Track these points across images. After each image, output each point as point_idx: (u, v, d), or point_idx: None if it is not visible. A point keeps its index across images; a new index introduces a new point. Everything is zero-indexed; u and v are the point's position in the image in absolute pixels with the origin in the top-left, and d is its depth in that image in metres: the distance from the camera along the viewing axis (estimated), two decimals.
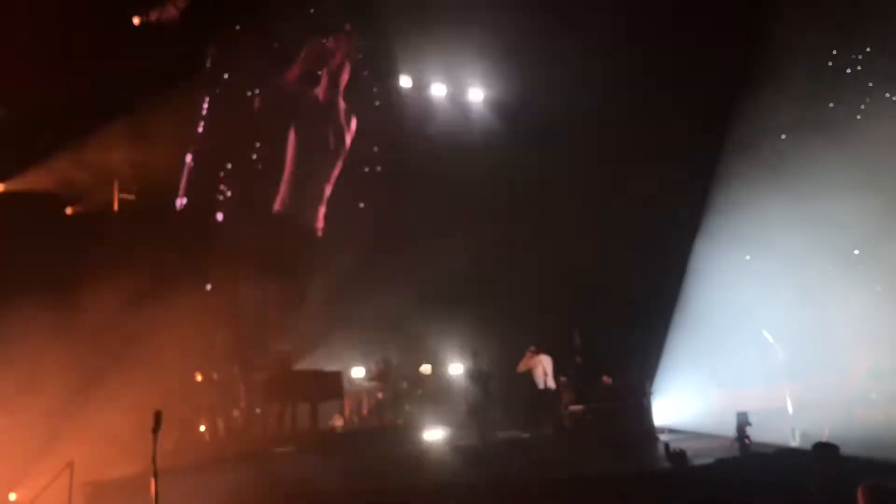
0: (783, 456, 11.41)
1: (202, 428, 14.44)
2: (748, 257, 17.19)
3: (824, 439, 11.77)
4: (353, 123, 18.32)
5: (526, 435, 14.58)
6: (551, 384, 14.99)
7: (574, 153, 17.59)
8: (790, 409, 13.83)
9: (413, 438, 14.08)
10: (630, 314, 16.92)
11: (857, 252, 16.29)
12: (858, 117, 17.12)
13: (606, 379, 15.14)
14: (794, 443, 12.16)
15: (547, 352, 15.27)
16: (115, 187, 15.46)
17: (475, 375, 14.46)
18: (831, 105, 17.18)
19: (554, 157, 17.78)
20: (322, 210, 18.05)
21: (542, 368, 15.05)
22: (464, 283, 17.36)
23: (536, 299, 17.47)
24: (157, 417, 7.45)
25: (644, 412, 14.48)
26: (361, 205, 18.39)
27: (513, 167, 17.95)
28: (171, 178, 16.33)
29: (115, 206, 15.46)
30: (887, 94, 17.18)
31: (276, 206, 17.51)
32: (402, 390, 15.70)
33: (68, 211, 15.24)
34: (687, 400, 15.97)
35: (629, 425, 14.08)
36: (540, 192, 17.86)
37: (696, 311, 16.53)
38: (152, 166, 15.07)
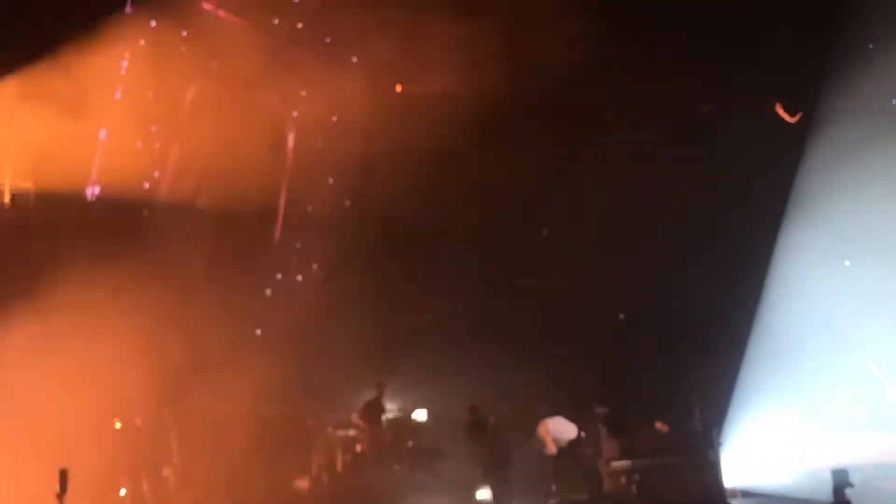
0: None
1: (122, 491, 14.46)
2: (848, 263, 17.22)
3: None
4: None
5: None
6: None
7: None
8: None
9: None
10: (692, 342, 16.99)
11: None
12: None
13: (661, 426, 15.16)
14: None
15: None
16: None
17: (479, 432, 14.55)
18: None
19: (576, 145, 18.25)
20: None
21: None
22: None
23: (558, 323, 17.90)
24: (63, 478, 7.47)
25: (711, 469, 14.50)
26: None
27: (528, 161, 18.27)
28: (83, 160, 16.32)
29: (7, 199, 15.48)
30: None
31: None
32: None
33: None
34: (768, 453, 16.01)
35: (691, 487, 14.10)
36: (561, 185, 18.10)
37: (778, 336, 16.55)
38: (55, 145, 15.10)
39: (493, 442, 14.76)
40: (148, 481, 14.53)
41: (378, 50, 17.18)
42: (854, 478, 11.86)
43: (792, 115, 17.81)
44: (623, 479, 14.46)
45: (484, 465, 14.74)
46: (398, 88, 18.48)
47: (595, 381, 16.65)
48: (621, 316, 16.69)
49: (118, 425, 14.53)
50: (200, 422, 14.87)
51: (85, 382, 13.70)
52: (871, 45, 17.25)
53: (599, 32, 17.18)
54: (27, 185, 15.72)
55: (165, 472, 14.67)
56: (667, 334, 17.30)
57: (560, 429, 14.93)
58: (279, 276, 18.83)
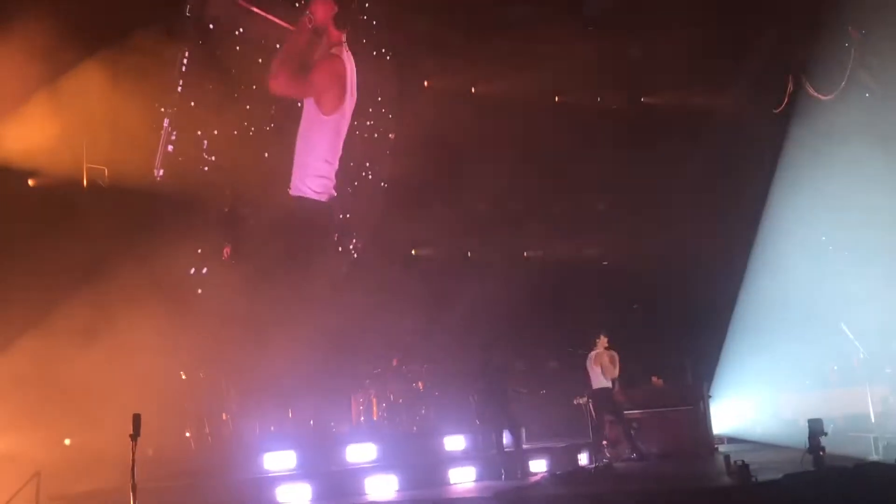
0: (864, 471, 11.36)
1: (187, 434, 14.64)
2: (824, 238, 17.05)
3: None
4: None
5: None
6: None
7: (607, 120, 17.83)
8: (873, 417, 13.80)
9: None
10: (684, 306, 16.95)
11: None
12: None
13: (657, 380, 15.17)
14: (877, 456, 12.12)
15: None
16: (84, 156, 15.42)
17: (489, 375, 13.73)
18: None
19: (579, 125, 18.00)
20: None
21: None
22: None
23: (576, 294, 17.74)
24: (136, 421, 7.55)
25: (701, 419, 14.51)
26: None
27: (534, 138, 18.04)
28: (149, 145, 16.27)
29: (84, 180, 15.49)
30: None
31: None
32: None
33: (31, 183, 15.33)
34: (751, 405, 15.96)
35: (684, 433, 14.11)
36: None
37: (762, 302, 16.46)
38: (126, 130, 15.04)
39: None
40: (209, 424, 14.68)
41: None
42: (827, 428, 11.82)
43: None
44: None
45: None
46: None
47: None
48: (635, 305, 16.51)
49: (184, 377, 14.66)
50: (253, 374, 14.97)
51: (152, 340, 13.83)
52: (846, 44, 16.95)
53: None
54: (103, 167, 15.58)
55: (224, 417, 14.80)
56: (665, 303, 17.31)
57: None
58: None
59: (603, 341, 14.85)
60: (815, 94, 16.96)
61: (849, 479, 11.02)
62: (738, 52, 17.44)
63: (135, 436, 7.55)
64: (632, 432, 14.30)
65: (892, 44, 15.83)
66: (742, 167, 17.61)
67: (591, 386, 14.76)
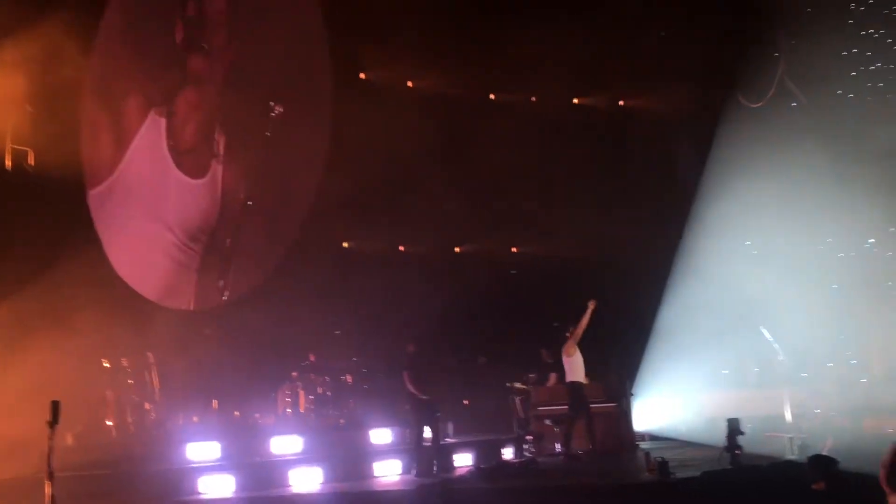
0: (778, 470, 11.68)
1: (108, 422, 14.39)
2: (748, 242, 17.43)
3: (825, 452, 12.18)
4: None
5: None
6: None
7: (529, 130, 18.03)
8: (789, 417, 14.15)
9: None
10: (609, 306, 17.17)
11: (872, 241, 16.59)
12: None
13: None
14: (792, 455, 12.43)
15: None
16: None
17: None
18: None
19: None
20: None
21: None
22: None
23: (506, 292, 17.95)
24: (55, 408, 7.40)
25: (624, 416, 14.72)
26: None
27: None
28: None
29: (8, 163, 15.09)
30: None
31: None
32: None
33: None
34: (672, 403, 16.24)
35: (607, 429, 14.31)
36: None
37: (685, 303, 16.75)
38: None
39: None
40: (132, 414, 14.45)
41: None
42: (744, 427, 12.10)
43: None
44: (548, 422, 14.69)
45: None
46: None
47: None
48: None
49: (106, 364, 14.39)
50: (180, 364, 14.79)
51: (77, 326, 13.59)
52: (776, 53, 17.38)
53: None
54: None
55: (147, 406, 14.58)
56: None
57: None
58: None
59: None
60: (744, 101, 17.36)
61: (764, 478, 11.34)
62: (670, 58, 17.75)
63: (53, 423, 7.40)
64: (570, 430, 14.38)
65: (819, 55, 16.29)
66: (670, 171, 17.95)
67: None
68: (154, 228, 16.57)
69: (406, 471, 13.06)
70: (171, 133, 16.72)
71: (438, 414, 13.09)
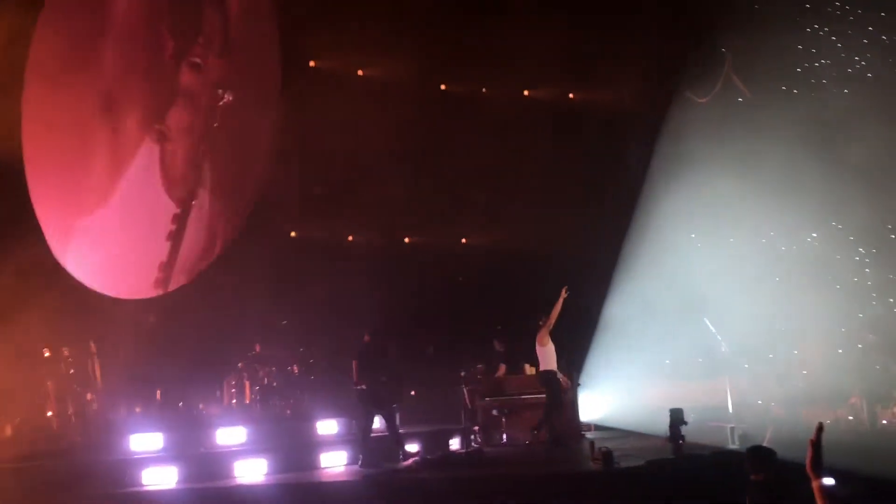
0: (720, 459, 11.89)
1: (49, 413, 14.13)
2: (693, 235, 17.64)
3: (766, 442, 12.42)
4: None
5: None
6: None
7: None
8: (731, 407, 14.40)
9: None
10: (556, 297, 17.29)
11: (814, 235, 16.89)
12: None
13: (529, 368, 15.45)
14: (733, 445, 12.65)
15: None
16: None
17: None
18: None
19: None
20: None
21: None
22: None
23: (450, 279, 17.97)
24: None
25: (570, 406, 14.85)
26: None
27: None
28: None
29: None
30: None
31: None
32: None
33: None
34: (618, 394, 16.42)
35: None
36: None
37: (631, 295, 16.93)
38: None
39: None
40: (74, 404, 14.21)
41: None
42: (687, 417, 12.28)
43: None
44: (495, 412, 14.77)
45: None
46: None
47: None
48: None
49: (47, 354, 14.12)
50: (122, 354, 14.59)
51: (15, 315, 13.32)
52: (723, 49, 17.59)
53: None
54: None
55: (89, 396, 14.35)
56: (536, 293, 17.59)
57: None
58: None
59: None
60: (691, 96, 17.57)
61: (705, 467, 11.53)
62: (619, 53, 17.89)
63: None
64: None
65: (765, 51, 16.55)
66: (618, 165, 18.10)
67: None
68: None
69: (352, 462, 13.03)
70: (163, 163, 16.24)
71: (395, 405, 13.08)
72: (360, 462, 12.63)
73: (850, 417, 14.56)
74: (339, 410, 14.78)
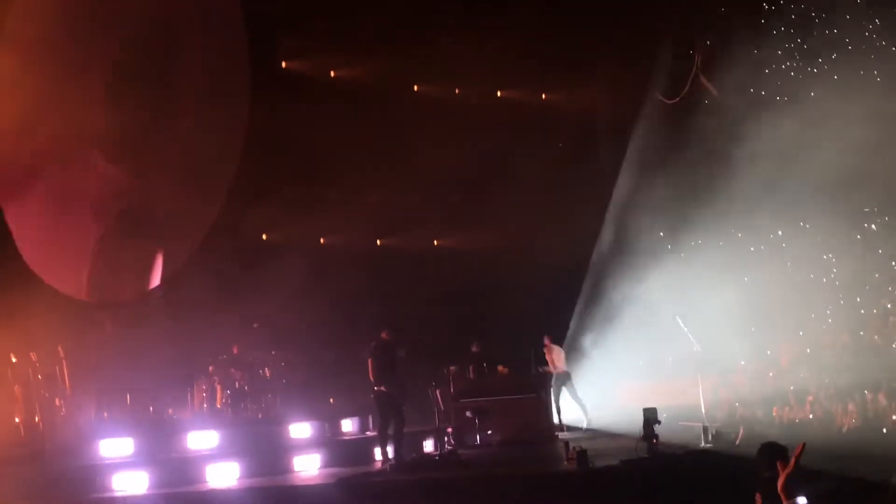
0: (693, 457, 11.93)
1: (16, 419, 13.94)
2: (661, 234, 17.71)
3: (738, 440, 12.48)
4: None
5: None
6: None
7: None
8: (703, 407, 14.45)
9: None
10: (530, 297, 17.31)
11: (780, 233, 17.01)
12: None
13: (502, 369, 15.42)
14: (706, 444, 12.69)
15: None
16: None
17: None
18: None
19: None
20: None
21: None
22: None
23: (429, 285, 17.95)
24: None
25: (543, 407, 14.84)
26: None
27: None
28: None
29: None
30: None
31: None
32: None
33: None
34: (591, 394, 16.44)
35: (527, 420, 14.41)
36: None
37: (604, 296, 16.98)
38: None
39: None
40: (42, 410, 14.02)
41: None
42: (661, 416, 12.30)
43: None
44: (469, 414, 14.71)
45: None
46: None
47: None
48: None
49: (14, 359, 13.92)
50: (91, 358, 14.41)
51: None
52: (691, 52, 17.71)
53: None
54: None
55: (57, 402, 14.16)
56: (511, 294, 17.62)
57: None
58: None
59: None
60: (661, 98, 17.66)
61: (679, 466, 11.57)
62: (592, 55, 17.96)
63: None
64: None
65: (733, 53, 16.67)
66: (589, 166, 18.15)
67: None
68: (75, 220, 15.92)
69: (325, 464, 12.94)
70: None
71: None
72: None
73: (811, 416, 14.70)
74: (311, 414, 14.69)
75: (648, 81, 17.81)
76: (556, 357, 15.89)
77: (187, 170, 16.79)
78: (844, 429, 13.94)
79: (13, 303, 13.79)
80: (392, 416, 12.47)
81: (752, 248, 17.00)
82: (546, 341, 16.08)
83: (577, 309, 17.25)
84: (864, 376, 14.54)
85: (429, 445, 14.44)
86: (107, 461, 12.40)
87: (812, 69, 16.46)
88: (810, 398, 14.70)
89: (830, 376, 14.95)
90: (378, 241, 19.63)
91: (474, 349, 15.79)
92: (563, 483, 10.96)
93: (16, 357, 13.91)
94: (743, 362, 16.50)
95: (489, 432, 14.57)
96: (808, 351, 16.06)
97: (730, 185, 16.04)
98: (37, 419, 13.93)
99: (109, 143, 15.83)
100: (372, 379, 12.40)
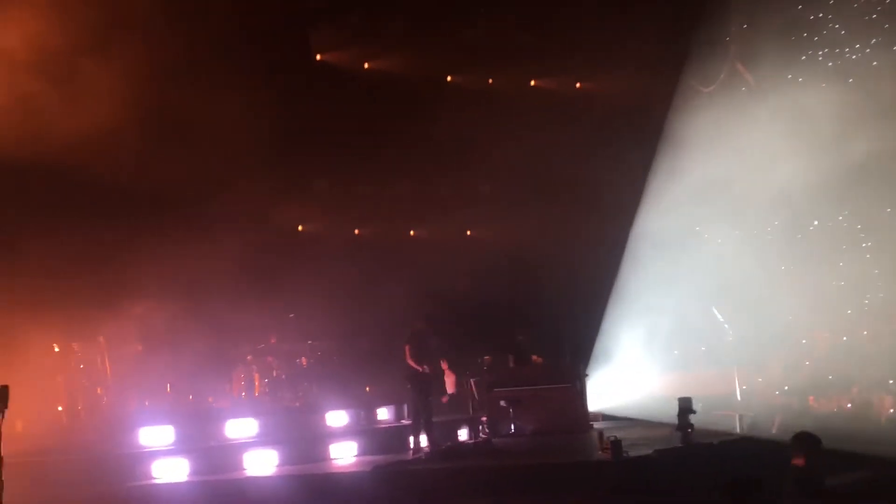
0: (728, 446, 11.85)
1: (59, 408, 14.16)
2: (698, 228, 17.53)
3: (774, 429, 12.38)
4: None
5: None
6: None
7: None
8: (738, 395, 14.36)
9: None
10: (564, 290, 17.25)
11: (816, 223, 16.77)
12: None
13: (537, 359, 15.41)
14: (741, 432, 12.60)
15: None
16: None
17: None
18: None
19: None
20: None
21: None
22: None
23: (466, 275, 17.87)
24: (3, 393, 7.24)
25: (578, 396, 14.81)
26: None
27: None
28: None
29: None
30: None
31: None
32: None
33: None
34: (626, 384, 16.37)
35: (562, 410, 14.39)
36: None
37: (638, 286, 16.86)
38: None
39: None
40: (83, 399, 14.24)
41: None
42: (696, 406, 12.22)
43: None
44: (503, 403, 14.72)
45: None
46: None
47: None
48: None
49: (56, 349, 14.15)
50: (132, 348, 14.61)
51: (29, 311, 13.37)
52: (727, 38, 17.48)
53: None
54: None
55: (98, 391, 14.37)
56: (547, 290, 17.57)
57: None
58: None
59: None
60: (697, 85, 17.46)
61: (714, 455, 11.49)
62: (626, 43, 17.75)
63: (1, 408, 7.23)
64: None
65: (768, 40, 16.43)
66: (623, 154, 17.94)
67: None
68: None
69: (362, 452, 13.04)
70: None
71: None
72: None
73: (849, 405, 14.52)
74: (347, 402, 14.78)
75: (683, 69, 17.59)
76: None
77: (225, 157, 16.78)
78: (882, 419, 13.78)
79: (55, 294, 14.00)
80: (428, 401, 12.61)
81: (794, 238, 16.74)
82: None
83: (611, 299, 17.11)
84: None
85: (463, 434, 14.46)
86: (147, 449, 12.56)
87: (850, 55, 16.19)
88: (855, 389, 14.51)
89: (868, 366, 14.75)
90: (412, 232, 19.64)
91: (521, 337, 15.75)
92: (598, 473, 10.95)
93: (58, 347, 14.14)
94: (779, 351, 16.29)
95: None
96: (845, 339, 15.82)
97: (764, 174, 15.85)
98: (79, 407, 14.17)
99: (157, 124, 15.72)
100: (410, 363, 12.56)
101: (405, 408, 14.29)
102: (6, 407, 7.23)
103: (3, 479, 7.18)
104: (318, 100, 17.10)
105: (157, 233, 15.35)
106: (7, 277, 13.32)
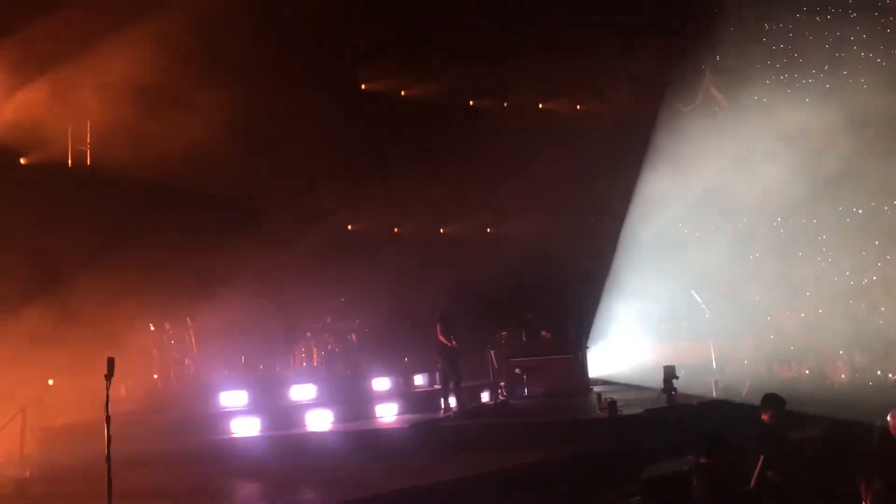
0: (705, 407, 11.77)
1: (155, 376, 14.34)
2: (679, 224, 17.34)
3: (744, 393, 12.27)
4: None
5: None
6: None
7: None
8: (714, 364, 14.25)
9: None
10: (568, 278, 17.19)
11: (779, 220, 16.55)
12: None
13: (545, 334, 15.35)
14: (717, 395, 12.52)
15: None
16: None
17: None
18: None
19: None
20: None
21: None
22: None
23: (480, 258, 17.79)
24: (110, 364, 7.32)
25: (579, 365, 14.75)
26: None
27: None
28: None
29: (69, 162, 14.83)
30: None
31: None
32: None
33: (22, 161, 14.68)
34: (621, 355, 16.30)
35: (566, 376, 14.34)
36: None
37: (628, 273, 16.74)
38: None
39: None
40: (174, 368, 14.40)
41: None
42: (678, 372, 12.15)
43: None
44: (518, 371, 14.68)
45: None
46: None
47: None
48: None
49: (152, 328, 14.32)
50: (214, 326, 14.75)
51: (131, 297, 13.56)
52: (703, 67, 17.30)
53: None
54: None
55: (187, 361, 14.53)
56: (554, 278, 17.47)
57: None
58: None
59: None
60: (679, 106, 17.30)
61: (694, 414, 11.43)
62: (618, 73, 17.59)
63: (109, 376, 7.32)
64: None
65: (737, 69, 16.30)
66: (616, 163, 17.74)
67: None
68: None
69: (402, 412, 13.10)
70: None
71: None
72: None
73: (806, 372, 14.38)
74: (389, 370, 14.84)
75: (665, 92, 17.42)
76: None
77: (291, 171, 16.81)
78: (836, 385, 13.63)
79: (152, 284, 14.17)
80: (456, 369, 12.62)
81: (761, 235, 16.54)
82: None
83: (607, 283, 17.01)
84: (850, 339, 14.19)
85: (485, 396, 14.47)
86: (226, 409, 12.71)
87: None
88: (812, 358, 14.35)
89: (823, 339, 14.60)
90: (441, 230, 19.63)
91: (531, 317, 15.70)
92: (597, 428, 10.96)
93: (154, 326, 14.31)
94: (749, 326, 16.13)
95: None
96: (803, 316, 15.65)
97: (732, 178, 15.71)
98: (171, 375, 14.34)
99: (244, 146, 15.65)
100: (441, 339, 12.58)
101: (437, 375, 14.32)
102: (113, 375, 7.32)
103: (110, 433, 7.29)
104: (365, 124, 17.16)
105: (236, 233, 15.52)
106: (115, 270, 13.51)
